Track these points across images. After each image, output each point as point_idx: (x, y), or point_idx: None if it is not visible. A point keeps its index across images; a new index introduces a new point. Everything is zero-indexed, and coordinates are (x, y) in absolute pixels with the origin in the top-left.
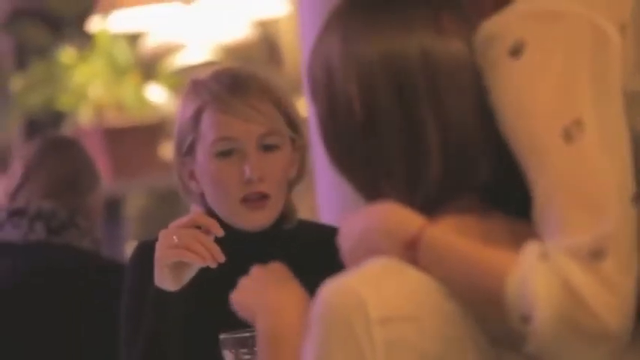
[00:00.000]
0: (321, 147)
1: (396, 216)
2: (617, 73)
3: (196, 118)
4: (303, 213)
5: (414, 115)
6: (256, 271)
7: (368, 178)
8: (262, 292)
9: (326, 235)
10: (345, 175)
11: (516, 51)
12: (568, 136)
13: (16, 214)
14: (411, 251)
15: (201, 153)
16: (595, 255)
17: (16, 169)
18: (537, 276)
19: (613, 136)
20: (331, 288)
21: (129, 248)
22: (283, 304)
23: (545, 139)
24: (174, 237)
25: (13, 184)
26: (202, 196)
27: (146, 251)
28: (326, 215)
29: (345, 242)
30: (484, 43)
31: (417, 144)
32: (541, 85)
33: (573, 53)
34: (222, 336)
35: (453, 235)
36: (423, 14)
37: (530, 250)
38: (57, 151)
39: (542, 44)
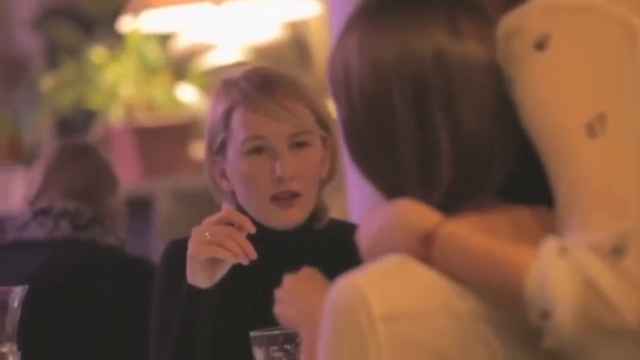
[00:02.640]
0: None
1: (413, 212)
2: None
3: (227, 117)
4: (334, 212)
5: (427, 117)
6: (290, 280)
7: (387, 179)
8: (301, 301)
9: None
10: (365, 176)
11: (541, 44)
12: (591, 130)
13: (40, 213)
14: (426, 247)
15: (232, 152)
16: (616, 251)
17: (35, 176)
18: (557, 271)
19: (635, 131)
20: (339, 285)
21: (158, 248)
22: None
23: (567, 133)
24: (207, 233)
25: (33, 189)
26: (233, 194)
27: (178, 249)
28: (356, 215)
29: (363, 239)
30: (507, 37)
31: (429, 147)
32: (565, 79)
33: (598, 47)
34: (252, 333)
35: (469, 231)
36: (439, 15)
37: (550, 245)
38: (74, 158)
39: (567, 38)
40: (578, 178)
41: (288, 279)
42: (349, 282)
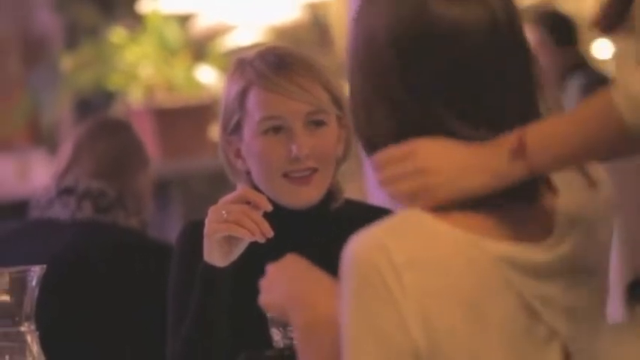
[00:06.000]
0: None
1: (488, 144)
2: None
3: (242, 96)
4: (352, 195)
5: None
6: (273, 267)
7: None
8: (289, 287)
9: (373, 215)
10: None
11: None
12: None
13: (64, 192)
14: (521, 157)
15: (248, 131)
16: None
17: (66, 149)
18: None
19: None
20: (357, 239)
21: (177, 229)
22: (315, 295)
23: None
24: (224, 212)
25: (62, 164)
26: (248, 174)
27: (194, 230)
28: (375, 197)
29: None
30: None
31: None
32: None
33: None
34: (269, 314)
35: (545, 125)
36: None
37: (626, 64)
38: (106, 133)
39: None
40: None
41: (271, 267)
42: (367, 234)
